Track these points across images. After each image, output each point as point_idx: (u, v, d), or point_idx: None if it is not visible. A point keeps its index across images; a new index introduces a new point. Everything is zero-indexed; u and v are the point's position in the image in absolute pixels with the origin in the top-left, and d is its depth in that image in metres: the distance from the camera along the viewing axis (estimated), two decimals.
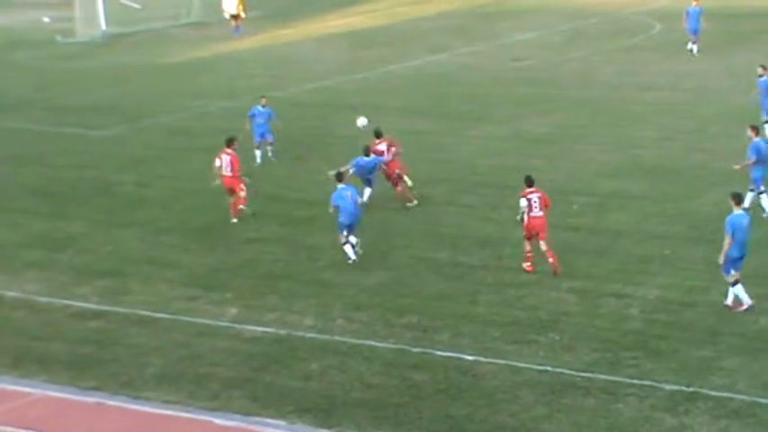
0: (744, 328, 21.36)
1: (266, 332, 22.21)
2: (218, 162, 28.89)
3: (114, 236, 28.27)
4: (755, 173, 27.19)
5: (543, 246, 24.48)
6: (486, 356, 20.68)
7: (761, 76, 34.14)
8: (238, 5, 58.22)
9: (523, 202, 24.55)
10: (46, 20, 65.92)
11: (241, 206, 28.87)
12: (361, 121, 31.57)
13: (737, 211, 22.05)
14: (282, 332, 22.14)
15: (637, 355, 20.46)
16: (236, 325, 22.59)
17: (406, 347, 21.22)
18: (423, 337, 21.60)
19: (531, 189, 24.86)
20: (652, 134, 35.33)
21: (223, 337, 22.13)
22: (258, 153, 33.52)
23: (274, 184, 31.76)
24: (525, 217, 24.57)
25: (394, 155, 29.37)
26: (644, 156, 33.05)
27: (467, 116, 38.68)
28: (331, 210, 25.77)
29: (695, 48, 47.54)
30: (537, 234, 24.44)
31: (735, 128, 34.51)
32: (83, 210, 30.50)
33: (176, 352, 21.50)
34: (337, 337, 21.81)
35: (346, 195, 25.66)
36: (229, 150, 28.96)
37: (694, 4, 47.57)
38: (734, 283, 21.96)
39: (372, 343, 21.48)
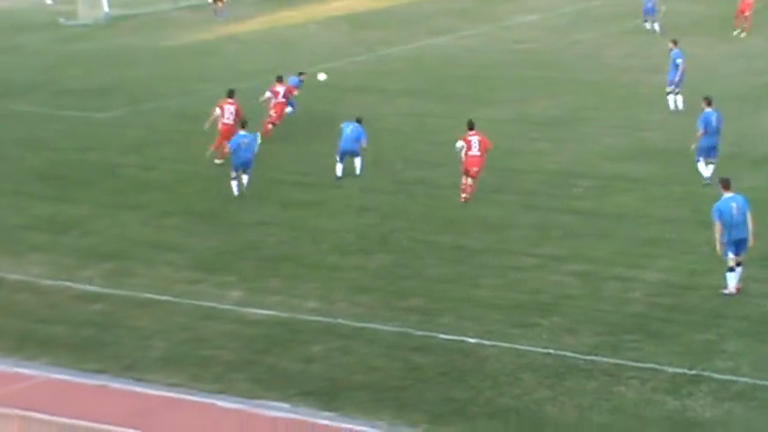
0: (747, 311, 21.36)
1: (269, 315, 22.23)
2: (218, 111, 31.46)
3: (118, 219, 28.27)
4: (702, 142, 28.09)
5: (470, 181, 27.75)
6: (488, 339, 20.68)
7: (671, 50, 35.44)
8: None
9: (459, 144, 27.95)
10: (48, 2, 65.86)
11: (219, 160, 30.78)
12: (322, 76, 33.65)
13: (726, 195, 22.00)
14: (285, 315, 22.16)
15: (639, 338, 20.48)
16: (239, 308, 22.60)
17: (408, 330, 21.24)
18: (425, 321, 21.61)
19: (472, 132, 27.93)
20: (658, 117, 35.27)
21: (226, 320, 22.15)
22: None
23: (278, 167, 31.73)
24: (463, 155, 27.73)
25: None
26: (650, 138, 33.00)
27: (469, 99, 38.60)
28: None
29: (656, 26, 48.25)
30: (471, 171, 27.56)
31: (741, 109, 34.54)
32: (87, 193, 30.49)
33: (179, 335, 21.52)
34: (340, 320, 21.82)
35: None
36: (231, 100, 31.61)
37: None
38: (729, 269, 21.93)
39: (375, 326, 21.49)
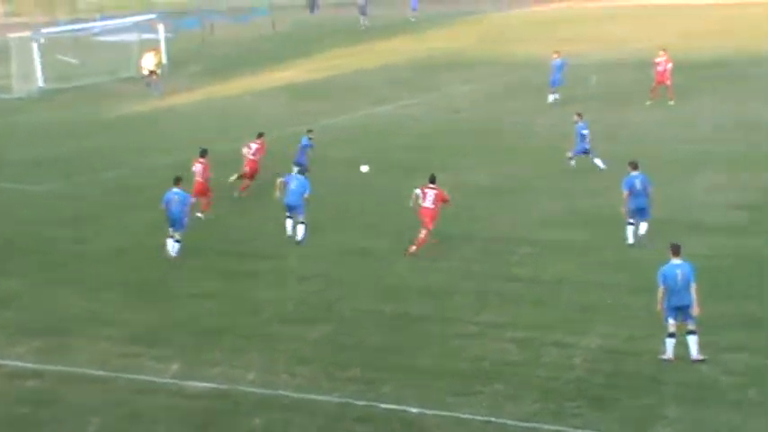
0: (686, 377, 21.46)
1: (209, 388, 21.96)
2: (193, 168, 33.25)
3: (53, 293, 27.90)
4: (629, 205, 29.15)
5: (422, 233, 28.93)
6: (430, 409, 20.59)
7: (576, 122, 37.21)
8: (155, 61, 58.45)
9: (416, 191, 29.42)
10: None
11: (201, 214, 32.37)
12: (364, 168, 34.17)
13: (674, 261, 22.19)
14: (225, 387, 21.90)
15: (580, 404, 20.49)
16: (178, 381, 22.31)
17: (350, 401, 21.08)
18: (367, 390, 21.47)
19: (432, 185, 29.34)
20: (594, 184, 35.61)
21: (165, 394, 21.84)
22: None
23: (218, 237, 31.59)
24: (415, 204, 29.25)
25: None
26: (584, 205, 33.30)
27: (411, 167, 38.69)
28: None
29: (555, 97, 49.17)
30: (424, 221, 28.90)
31: (673, 175, 35.00)
32: (20, 267, 30.10)
33: (116, 410, 21.17)
34: (281, 392, 21.62)
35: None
36: (202, 160, 33.16)
37: (555, 56, 49.39)
38: (669, 335, 22.05)
39: (316, 397, 21.31)
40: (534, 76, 54.89)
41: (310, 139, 37.28)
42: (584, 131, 36.99)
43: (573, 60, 56.49)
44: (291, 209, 30.90)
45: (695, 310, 21.90)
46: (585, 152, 37.10)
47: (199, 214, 32.57)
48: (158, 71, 58.57)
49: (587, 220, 31.69)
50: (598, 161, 36.61)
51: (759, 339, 22.95)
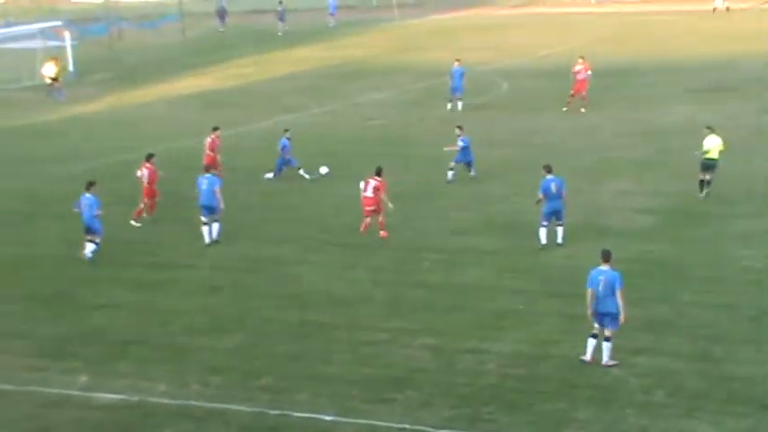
0: (596, 380, 21.69)
1: (118, 399, 21.64)
2: (138, 173, 33.31)
3: None
4: (544, 208, 29.71)
5: (368, 220, 30.81)
6: (344, 416, 20.53)
7: (459, 135, 37.38)
8: (56, 69, 57.72)
9: (361, 184, 31.11)
10: None
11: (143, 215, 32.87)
12: (324, 169, 34.88)
13: (601, 267, 22.32)
14: (135, 399, 21.60)
15: (494, 409, 20.59)
16: (86, 393, 21.95)
17: (263, 410, 20.94)
18: (280, 399, 21.34)
19: (376, 177, 31.05)
20: (503, 191, 35.89)
21: (73, 407, 21.47)
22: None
23: (126, 248, 31.15)
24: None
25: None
26: (496, 212, 33.53)
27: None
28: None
29: (459, 105, 49.48)
30: (364, 210, 30.65)
31: (584, 183, 35.40)
32: None
33: (25, 425, 20.78)
34: (193, 402, 21.38)
35: None
36: (148, 165, 33.29)
37: (457, 64, 49.74)
38: (592, 335, 22.27)
39: (229, 407, 21.11)
40: (442, 84, 55.18)
41: (288, 139, 38.16)
42: (463, 144, 37.04)
43: (480, 68, 57.08)
44: (207, 209, 31.07)
45: (621, 318, 22.03)
46: (468, 164, 37.22)
47: (133, 222, 32.93)
48: (60, 79, 57.73)
49: (498, 227, 31.90)
50: (473, 172, 37.04)
51: (667, 342, 23.30)
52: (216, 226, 31.24)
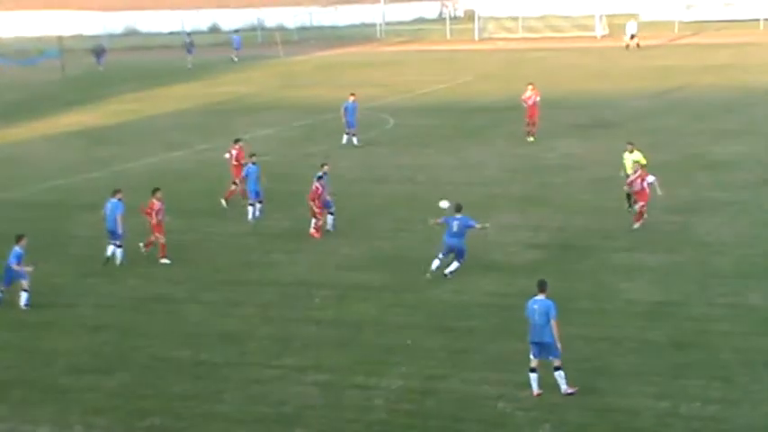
0: (483, 415, 21.82)
1: None
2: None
3: None
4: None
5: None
6: None
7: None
8: None
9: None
10: None
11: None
12: (444, 203, 32.14)
13: (537, 297, 22.59)
14: None
15: None
16: None
17: None
18: None
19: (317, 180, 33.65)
20: (390, 225, 36.05)
21: None
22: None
23: (7, 289, 30.42)
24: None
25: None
26: (383, 247, 33.63)
27: (206, 213, 38.43)
28: None
29: (354, 139, 50.07)
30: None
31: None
32: None
33: None
34: None
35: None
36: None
37: (351, 99, 50.28)
38: (530, 369, 22.44)
39: None
40: (327, 120, 55.41)
41: (254, 163, 37.31)
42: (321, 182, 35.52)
43: (365, 105, 57.43)
44: (110, 234, 31.87)
45: (558, 348, 22.25)
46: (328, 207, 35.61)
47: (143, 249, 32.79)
48: None
49: (386, 262, 31.99)
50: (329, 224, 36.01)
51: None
52: (119, 252, 31.82)
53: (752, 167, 42.71)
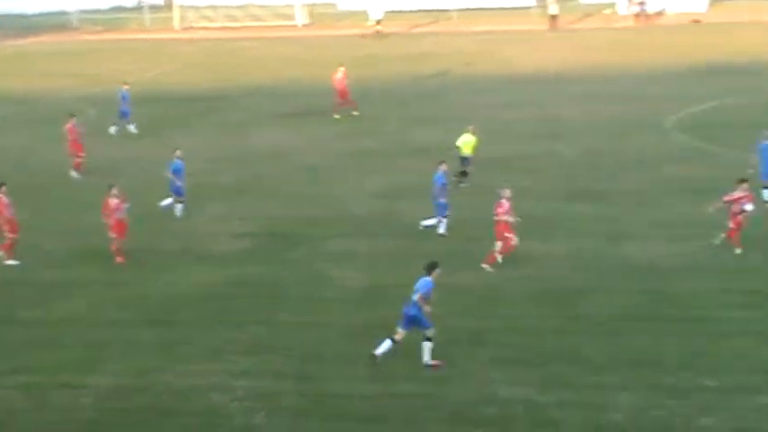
0: (197, 407, 21.62)
1: None
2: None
3: None
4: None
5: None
6: None
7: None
8: None
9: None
10: None
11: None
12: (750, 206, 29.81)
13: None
14: None
15: None
16: None
17: None
18: None
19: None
20: (98, 220, 34.94)
21: None
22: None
23: None
24: None
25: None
26: (94, 242, 32.34)
27: None
28: None
29: (131, 127, 49.14)
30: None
31: (206, 206, 35.16)
32: None
33: None
34: None
35: None
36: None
37: (125, 87, 49.24)
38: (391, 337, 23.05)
39: None
40: (30, 110, 53.31)
41: (180, 158, 35.42)
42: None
43: (63, 95, 55.56)
44: None
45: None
46: None
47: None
48: None
49: (96, 257, 30.94)
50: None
51: (267, 364, 23.51)
52: None
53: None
